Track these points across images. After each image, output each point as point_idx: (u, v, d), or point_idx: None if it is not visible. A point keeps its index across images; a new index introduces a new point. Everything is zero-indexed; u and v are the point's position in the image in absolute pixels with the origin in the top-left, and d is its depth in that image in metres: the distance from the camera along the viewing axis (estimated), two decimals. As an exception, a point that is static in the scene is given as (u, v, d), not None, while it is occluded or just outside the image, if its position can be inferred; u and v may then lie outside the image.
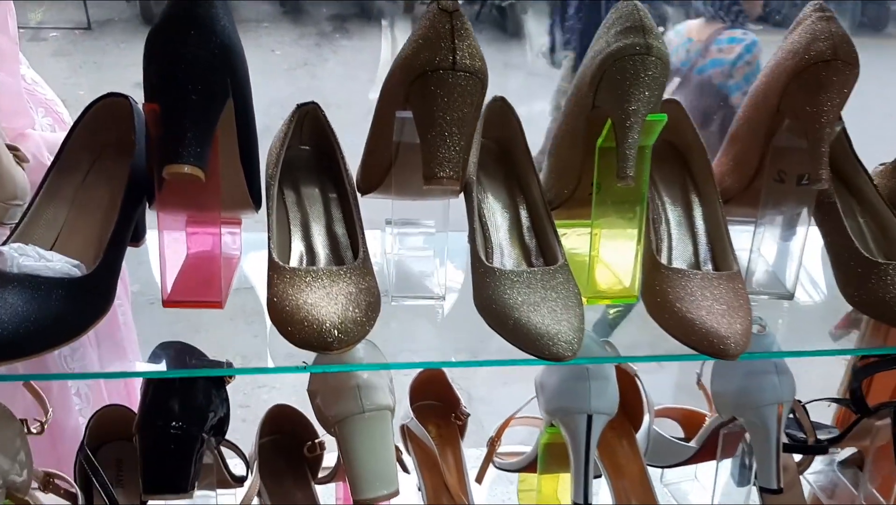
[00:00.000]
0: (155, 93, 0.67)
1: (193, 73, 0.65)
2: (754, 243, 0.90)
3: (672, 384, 1.45)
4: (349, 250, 0.84)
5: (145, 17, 5.93)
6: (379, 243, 0.96)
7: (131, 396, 1.44)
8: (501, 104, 0.89)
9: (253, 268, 0.92)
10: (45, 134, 1.28)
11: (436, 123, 0.71)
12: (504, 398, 1.30)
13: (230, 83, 0.69)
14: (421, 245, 0.93)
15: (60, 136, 1.31)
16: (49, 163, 1.24)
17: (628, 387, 1.07)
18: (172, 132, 0.66)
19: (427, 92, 0.70)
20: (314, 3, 6.31)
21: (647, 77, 0.74)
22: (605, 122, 0.79)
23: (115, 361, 1.10)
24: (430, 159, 0.71)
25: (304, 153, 0.91)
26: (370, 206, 0.89)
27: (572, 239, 0.94)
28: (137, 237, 0.88)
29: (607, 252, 0.86)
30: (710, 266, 0.88)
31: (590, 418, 0.93)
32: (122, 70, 5.10)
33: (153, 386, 0.83)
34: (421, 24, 0.72)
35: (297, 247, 0.85)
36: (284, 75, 5.13)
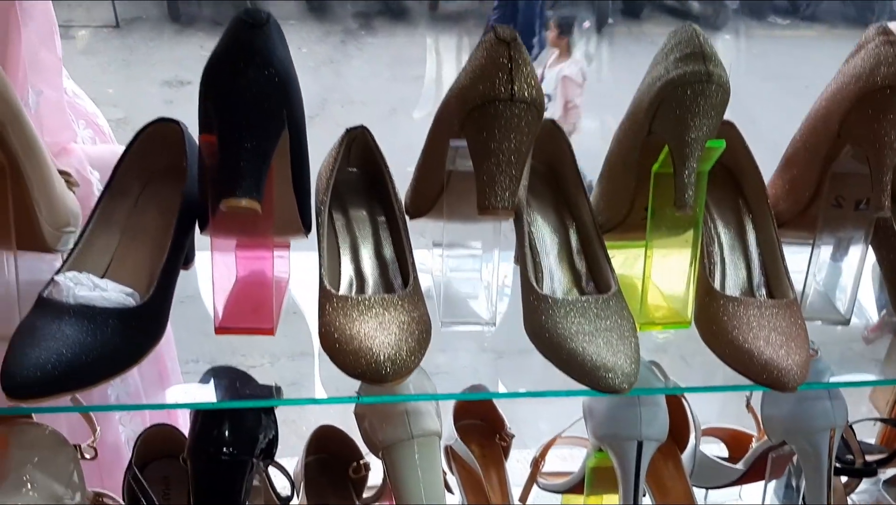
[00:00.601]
0: (212, 125, 0.67)
1: (252, 107, 0.65)
2: (810, 268, 0.88)
3: (719, 403, 1.43)
4: (399, 275, 0.83)
5: (172, 15, 5.96)
6: (426, 263, 0.95)
7: (172, 410, 1.45)
8: (552, 126, 0.88)
9: (300, 289, 0.91)
10: (87, 147, 1.29)
11: (492, 154, 0.70)
12: (547, 417, 1.29)
13: (286, 114, 0.69)
14: (469, 267, 0.93)
15: (102, 148, 1.32)
16: (91, 176, 1.25)
17: (675, 407, 1.06)
18: (229, 166, 0.66)
19: (484, 123, 0.69)
20: (340, 0, 6.31)
21: (707, 105, 0.72)
22: (661, 148, 0.78)
23: (156, 381, 1.11)
24: (486, 190, 0.71)
25: (352, 176, 0.91)
26: (414, 223, 0.88)
27: (622, 261, 0.92)
28: (186, 261, 0.88)
29: (660, 278, 0.85)
30: (763, 291, 0.86)
31: (640, 445, 0.92)
32: (150, 68, 5.14)
33: (203, 412, 0.83)
34: (477, 54, 0.71)
35: (347, 271, 0.84)
36: (310, 72, 5.13)
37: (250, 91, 0.65)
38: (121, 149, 1.33)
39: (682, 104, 0.73)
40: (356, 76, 5.24)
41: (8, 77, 0.73)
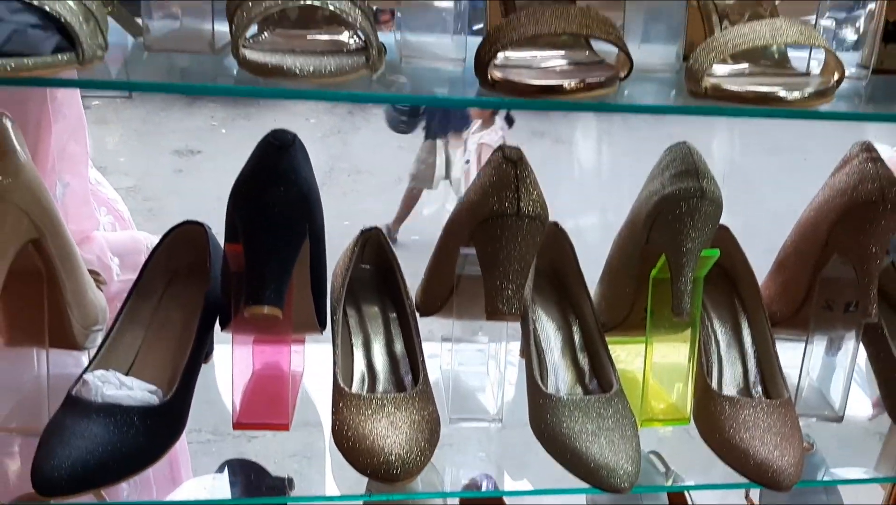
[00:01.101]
0: (238, 237, 0.72)
1: (277, 223, 0.70)
2: (803, 367, 0.92)
3: (720, 490, 1.44)
4: (409, 372, 0.87)
5: (184, 85, 6.08)
6: (435, 355, 0.99)
7: (176, 480, 1.47)
8: (555, 229, 0.93)
9: (313, 381, 0.95)
10: (108, 234, 1.34)
11: (500, 264, 0.74)
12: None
13: (308, 226, 0.74)
14: (476, 361, 0.96)
15: (122, 235, 1.37)
16: (111, 263, 1.29)
17: (675, 499, 1.08)
18: (254, 276, 0.70)
19: (492, 235, 0.74)
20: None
21: (700, 219, 0.77)
22: (659, 255, 0.82)
23: (166, 469, 1.13)
24: (494, 297, 0.75)
25: (365, 273, 0.95)
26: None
27: (624, 356, 0.96)
28: (206, 355, 0.92)
29: (659, 376, 0.88)
30: (759, 389, 0.90)
31: (642, 536, 0.94)
32: (161, 137, 5.25)
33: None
34: (486, 170, 0.76)
35: (359, 366, 0.88)
36: (318, 142, 5.24)
37: (276, 209, 0.70)
38: (140, 235, 1.38)
39: (677, 218, 0.78)
40: (363, 146, 5.35)
41: (38, 168, 0.79)
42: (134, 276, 1.34)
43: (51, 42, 0.55)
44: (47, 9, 0.55)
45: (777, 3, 0.77)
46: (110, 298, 1.01)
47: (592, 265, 0.99)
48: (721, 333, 0.94)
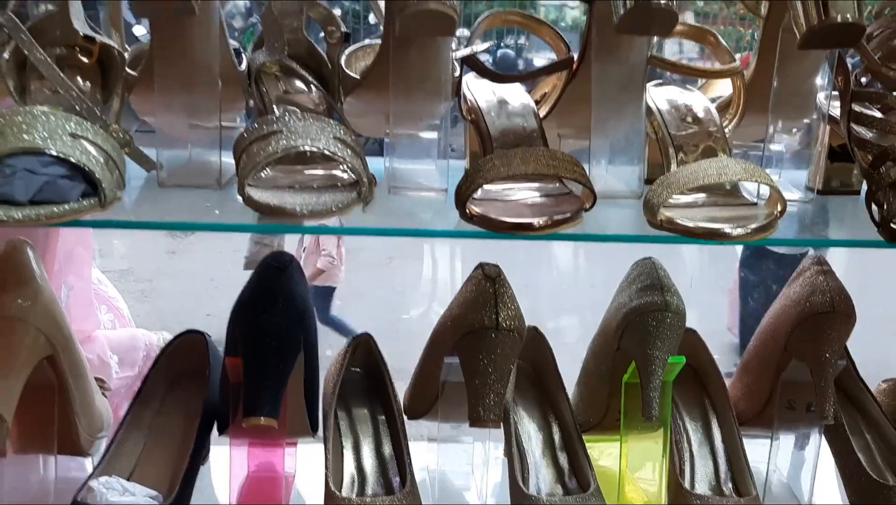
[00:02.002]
0: (238, 351, 0.78)
1: (275, 342, 0.76)
2: (770, 463, 0.97)
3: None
4: (397, 474, 0.91)
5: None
6: (421, 455, 1.03)
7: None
8: (535, 333, 0.99)
9: (305, 482, 0.99)
10: (108, 333, 1.39)
11: (481, 374, 0.80)
12: None
13: (303, 340, 0.80)
14: (461, 461, 1.01)
15: (121, 333, 1.42)
16: (110, 361, 1.34)
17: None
18: (252, 389, 0.76)
19: (474, 348, 0.80)
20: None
21: (665, 329, 0.84)
22: (630, 361, 0.88)
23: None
24: (476, 404, 0.80)
25: (356, 375, 1.00)
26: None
27: (600, 453, 1.01)
28: (203, 457, 0.96)
29: (635, 475, 0.93)
30: (730, 485, 0.95)
31: None
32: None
33: None
34: (468, 287, 0.83)
35: (349, 468, 0.92)
36: (309, 223, 5.32)
37: (275, 328, 0.76)
38: (138, 332, 1.44)
39: (644, 329, 0.84)
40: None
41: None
42: (132, 372, 1.39)
43: (77, 190, 0.62)
44: (73, 160, 0.63)
45: (728, 129, 0.85)
46: (110, 394, 1.06)
47: (573, 362, 1.05)
48: (693, 431, 0.99)
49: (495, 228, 0.68)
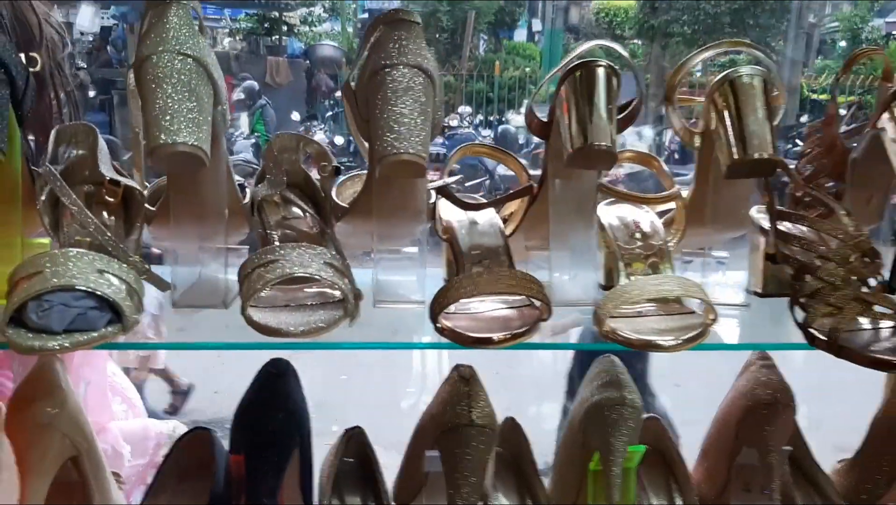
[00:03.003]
0: (241, 451, 0.88)
1: (273, 439, 0.86)
2: (730, 542, 1.05)
3: None
4: (387, 559, 1.00)
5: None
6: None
7: None
8: (512, 424, 1.09)
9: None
10: (122, 424, 1.49)
11: (457, 466, 0.90)
12: None
13: (299, 437, 0.90)
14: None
15: (133, 424, 1.52)
16: (123, 450, 1.43)
17: None
18: (252, 483, 0.86)
19: (451, 443, 0.90)
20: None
21: (623, 422, 0.94)
22: (594, 450, 0.98)
23: None
24: (454, 494, 0.90)
25: (348, 465, 1.10)
26: None
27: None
28: (210, 544, 1.05)
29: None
30: (696, 565, 1.03)
31: None
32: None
33: None
34: (444, 387, 0.93)
35: (343, 554, 1.01)
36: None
37: (273, 427, 0.86)
38: (149, 422, 1.53)
39: (603, 422, 0.94)
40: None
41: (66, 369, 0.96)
42: (143, 461, 1.48)
43: (104, 319, 0.73)
44: (100, 293, 0.74)
45: (672, 244, 0.96)
46: (122, 481, 1.15)
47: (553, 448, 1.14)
48: (660, 512, 1.08)
49: (461, 342, 0.79)
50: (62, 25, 1.41)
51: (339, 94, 8.36)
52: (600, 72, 0.86)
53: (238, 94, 8.72)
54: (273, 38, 10.96)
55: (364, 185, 0.90)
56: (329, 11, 11.71)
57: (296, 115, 9.39)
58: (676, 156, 8.92)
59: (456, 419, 0.90)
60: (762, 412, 0.96)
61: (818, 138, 1.00)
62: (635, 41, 13.02)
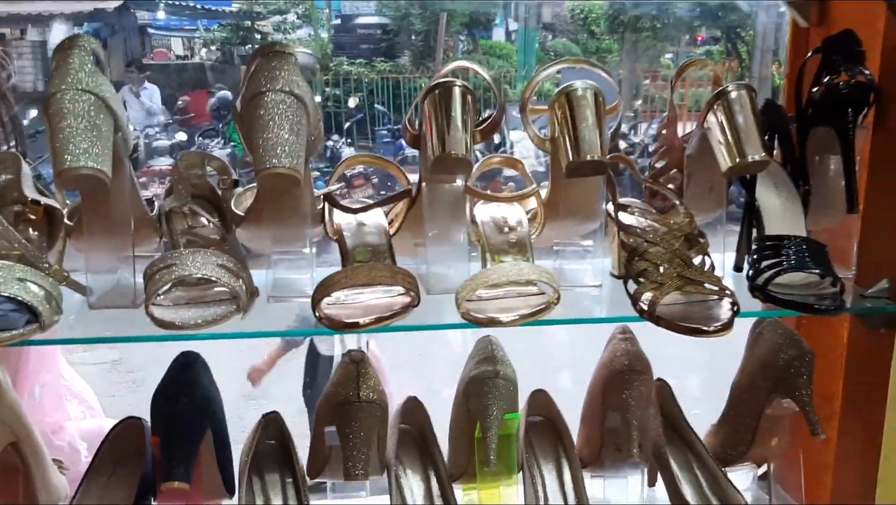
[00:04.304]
0: (157, 431, 1.01)
1: (183, 421, 0.99)
2: (604, 498, 1.19)
3: None
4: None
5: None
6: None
7: None
8: (416, 403, 1.22)
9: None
10: (79, 423, 1.61)
11: (349, 438, 1.03)
12: None
13: (210, 421, 1.03)
14: (360, 512, 1.23)
15: (90, 423, 1.64)
16: (80, 448, 1.56)
17: None
18: (166, 460, 0.99)
19: (342, 418, 1.03)
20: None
21: (498, 393, 1.07)
22: (477, 421, 1.11)
23: None
24: (347, 463, 1.03)
25: (268, 446, 1.23)
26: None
27: (475, 499, 1.23)
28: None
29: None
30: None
31: None
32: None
33: None
34: (338, 370, 1.06)
35: (262, 525, 1.14)
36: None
37: (183, 412, 0.99)
38: (106, 423, 1.66)
39: (481, 393, 1.07)
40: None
41: (20, 371, 1.07)
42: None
43: (23, 319, 0.86)
44: (20, 298, 0.87)
45: (534, 236, 1.10)
46: (79, 476, 1.28)
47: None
48: (548, 476, 1.21)
49: (334, 327, 0.92)
50: (3, 54, 1.53)
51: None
52: (455, 90, 0.99)
53: (213, 104, 8.83)
54: (247, 47, 11.06)
55: (255, 196, 1.03)
56: (302, 18, 11.81)
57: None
58: (650, 149, 9.10)
59: (346, 397, 1.03)
60: (621, 379, 1.10)
61: (663, 136, 1.14)
62: (608, 38, 13.18)
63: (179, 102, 8.83)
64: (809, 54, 1.08)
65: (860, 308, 1.05)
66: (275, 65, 0.94)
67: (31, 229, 1.01)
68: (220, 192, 1.08)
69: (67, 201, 1.06)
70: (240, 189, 1.10)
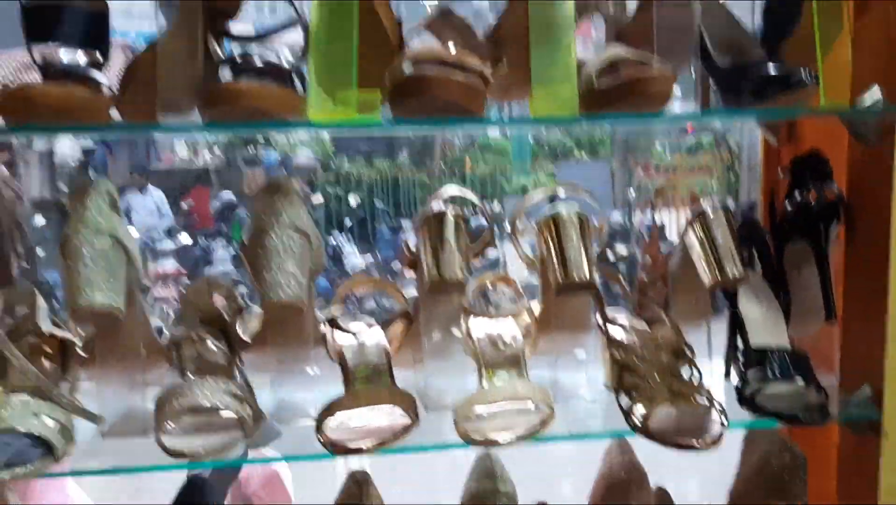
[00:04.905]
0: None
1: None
2: None
3: None
4: None
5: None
6: None
7: None
8: None
9: None
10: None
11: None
12: None
13: None
14: None
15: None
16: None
17: None
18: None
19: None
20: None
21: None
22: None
23: None
24: None
25: None
26: None
27: None
28: None
29: None
30: None
31: None
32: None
33: None
34: (342, 491, 1.09)
35: None
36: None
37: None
38: None
39: None
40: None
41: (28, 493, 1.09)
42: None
43: (37, 452, 0.90)
44: (36, 433, 0.90)
45: (527, 352, 1.14)
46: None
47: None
48: None
49: (338, 452, 0.95)
50: (18, 185, 1.61)
51: (315, 199, 8.68)
52: (449, 218, 1.05)
53: (216, 206, 9.00)
54: (249, 149, 11.36)
55: (261, 322, 1.08)
56: (304, 120, 12.14)
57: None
58: (647, 237, 9.20)
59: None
60: (621, 490, 1.12)
61: (648, 251, 1.20)
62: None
63: (184, 205, 9.00)
64: (780, 174, 1.15)
65: (845, 416, 1.08)
66: (278, 201, 1.00)
67: (45, 360, 1.05)
68: (226, 318, 1.13)
69: (81, 332, 1.10)
70: (246, 315, 1.15)
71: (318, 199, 8.78)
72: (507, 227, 1.19)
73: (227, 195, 9.26)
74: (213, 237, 8.62)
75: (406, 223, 8.44)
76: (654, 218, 1.21)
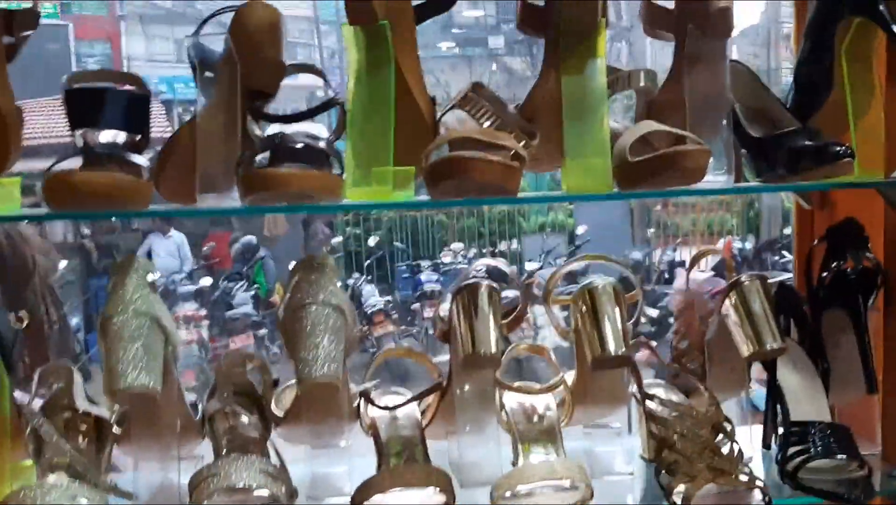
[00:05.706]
0: None
1: None
2: None
3: None
4: None
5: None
6: None
7: None
8: None
9: None
10: None
11: None
12: None
13: None
14: None
15: None
16: None
17: None
18: None
19: None
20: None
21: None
22: None
23: None
24: None
25: None
26: None
27: None
28: None
29: None
30: None
31: None
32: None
33: None
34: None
35: None
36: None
37: None
38: None
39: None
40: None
41: None
42: None
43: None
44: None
45: (563, 424, 1.12)
46: None
47: None
48: None
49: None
50: (53, 251, 1.63)
51: (335, 240, 8.75)
52: (482, 290, 1.05)
53: (237, 249, 9.06)
54: (269, 191, 11.46)
55: (295, 398, 1.08)
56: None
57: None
58: (666, 276, 9.14)
59: None
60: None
61: (683, 320, 1.19)
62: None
63: (205, 248, 9.07)
64: (815, 242, 1.14)
65: (888, 490, 1.06)
66: (315, 277, 1.00)
67: (80, 437, 1.05)
68: (259, 391, 1.13)
69: (115, 407, 1.11)
70: (279, 388, 1.15)
71: (337, 239, 8.86)
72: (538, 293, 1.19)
73: (248, 239, 9.34)
74: (233, 280, 8.66)
75: (424, 263, 8.47)
76: (687, 284, 1.20)
